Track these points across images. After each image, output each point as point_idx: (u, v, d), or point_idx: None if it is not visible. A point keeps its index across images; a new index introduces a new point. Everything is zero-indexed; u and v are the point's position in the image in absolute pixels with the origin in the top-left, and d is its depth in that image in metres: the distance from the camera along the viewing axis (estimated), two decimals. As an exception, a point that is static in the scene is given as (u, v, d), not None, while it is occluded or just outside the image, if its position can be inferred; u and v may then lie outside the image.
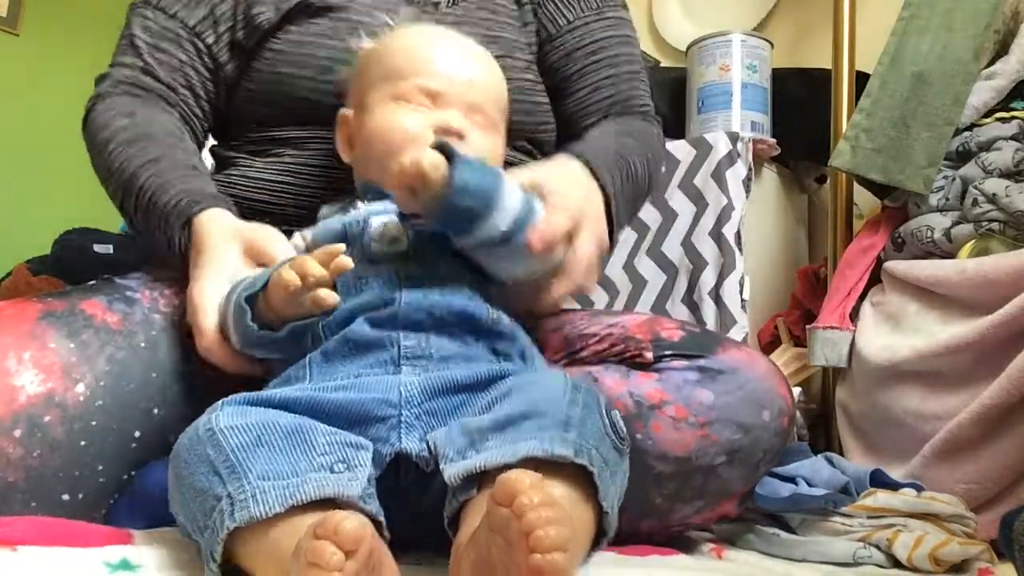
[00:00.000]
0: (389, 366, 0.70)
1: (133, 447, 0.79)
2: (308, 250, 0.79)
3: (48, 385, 0.76)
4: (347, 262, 0.70)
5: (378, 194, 0.82)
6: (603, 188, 0.90)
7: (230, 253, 0.80)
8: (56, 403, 0.75)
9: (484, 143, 0.85)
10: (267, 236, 0.82)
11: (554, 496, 0.51)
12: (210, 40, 0.98)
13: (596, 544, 0.62)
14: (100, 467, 0.77)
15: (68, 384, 0.77)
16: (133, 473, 0.79)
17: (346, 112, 0.90)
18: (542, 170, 0.85)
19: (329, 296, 0.71)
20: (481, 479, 0.54)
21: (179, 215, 0.84)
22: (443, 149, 0.73)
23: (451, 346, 0.72)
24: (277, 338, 0.72)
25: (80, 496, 0.76)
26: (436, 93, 0.84)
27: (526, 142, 1.03)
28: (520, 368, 0.70)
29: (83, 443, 0.76)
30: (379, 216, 0.78)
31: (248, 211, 0.97)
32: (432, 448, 0.63)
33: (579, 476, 0.59)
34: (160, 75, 0.97)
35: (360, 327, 0.72)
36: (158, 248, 0.88)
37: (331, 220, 0.81)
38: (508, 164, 0.99)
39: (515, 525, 0.49)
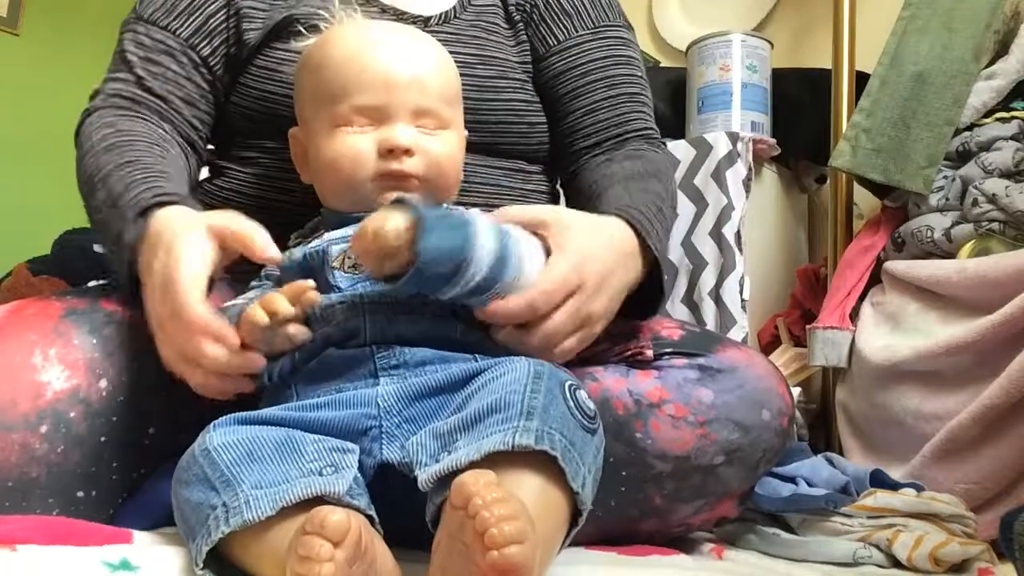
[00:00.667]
0: (368, 378, 0.71)
1: (146, 444, 0.79)
2: (279, 283, 0.78)
3: (73, 381, 0.76)
4: (316, 297, 0.70)
5: (339, 222, 0.81)
6: (649, 254, 0.83)
7: (205, 244, 0.73)
8: (81, 399, 0.76)
9: (439, 148, 0.81)
10: (242, 225, 0.75)
11: (508, 492, 0.53)
12: (205, 52, 0.96)
13: (574, 524, 0.63)
14: (115, 464, 0.77)
15: (92, 380, 0.77)
16: (143, 471, 0.79)
17: (295, 131, 0.88)
18: (567, 214, 0.80)
19: (300, 332, 0.71)
20: (452, 480, 0.54)
21: (135, 206, 0.78)
22: (405, 204, 0.70)
23: (425, 352, 0.73)
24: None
25: (94, 493, 0.76)
26: (375, 109, 0.79)
27: (522, 161, 1.01)
28: (494, 363, 0.70)
29: (103, 439, 0.76)
30: (339, 244, 0.78)
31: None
32: (409, 455, 0.64)
33: (545, 462, 0.60)
34: (154, 88, 0.94)
35: (333, 351, 0.73)
36: (110, 254, 0.82)
37: (295, 250, 0.80)
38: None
39: (470, 526, 0.51)
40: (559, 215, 0.79)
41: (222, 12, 0.97)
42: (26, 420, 0.74)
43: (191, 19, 0.97)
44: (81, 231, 2.26)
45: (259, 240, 0.74)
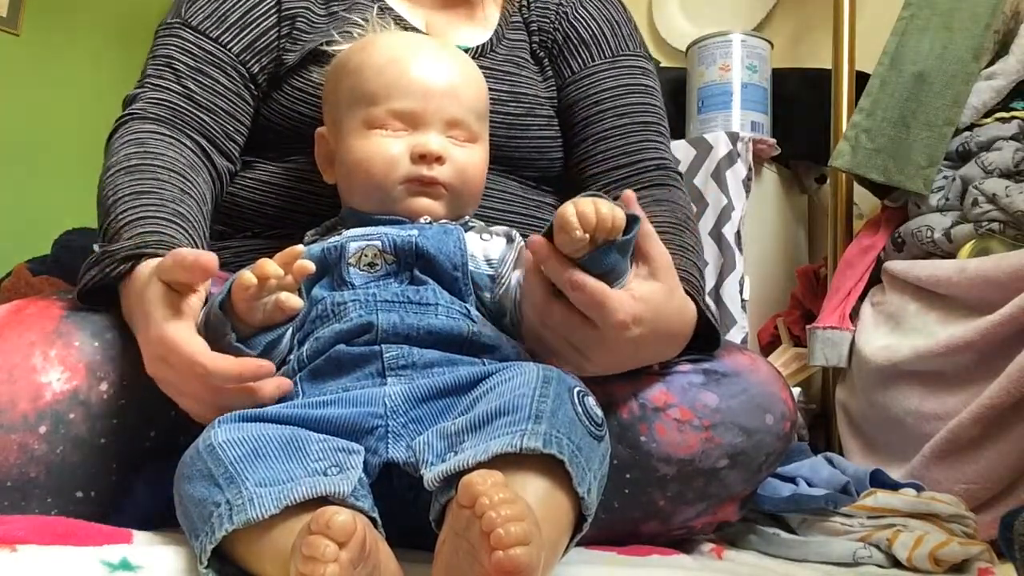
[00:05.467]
0: (376, 377, 0.71)
1: (147, 446, 0.79)
2: None
3: (73, 383, 0.76)
4: (308, 265, 0.70)
5: (359, 222, 0.82)
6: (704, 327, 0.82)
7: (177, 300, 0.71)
8: (81, 401, 0.76)
9: (467, 159, 0.84)
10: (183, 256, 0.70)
11: (515, 493, 0.52)
12: (255, 69, 0.96)
13: (579, 529, 0.63)
14: (114, 465, 0.77)
15: (92, 382, 0.77)
16: (143, 473, 0.79)
17: (322, 131, 0.89)
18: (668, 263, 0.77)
19: (290, 299, 0.70)
20: (458, 480, 0.54)
21: (133, 247, 0.77)
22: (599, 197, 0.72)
23: (434, 354, 0.73)
24: (250, 356, 0.71)
25: (93, 494, 0.76)
26: (410, 115, 0.82)
27: (547, 187, 1.04)
28: (502, 367, 0.70)
29: (103, 441, 0.76)
30: (357, 242, 0.79)
31: (260, 216, 0.97)
32: (415, 454, 0.64)
33: (552, 466, 0.60)
34: (200, 100, 0.94)
35: (343, 348, 0.73)
36: (86, 268, 0.79)
37: (312, 246, 0.81)
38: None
39: (476, 525, 0.51)
40: (665, 260, 0.77)
41: (274, 31, 0.97)
42: (25, 421, 0.73)
43: (243, 34, 0.96)
44: (81, 231, 2.26)
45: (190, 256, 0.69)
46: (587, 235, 0.69)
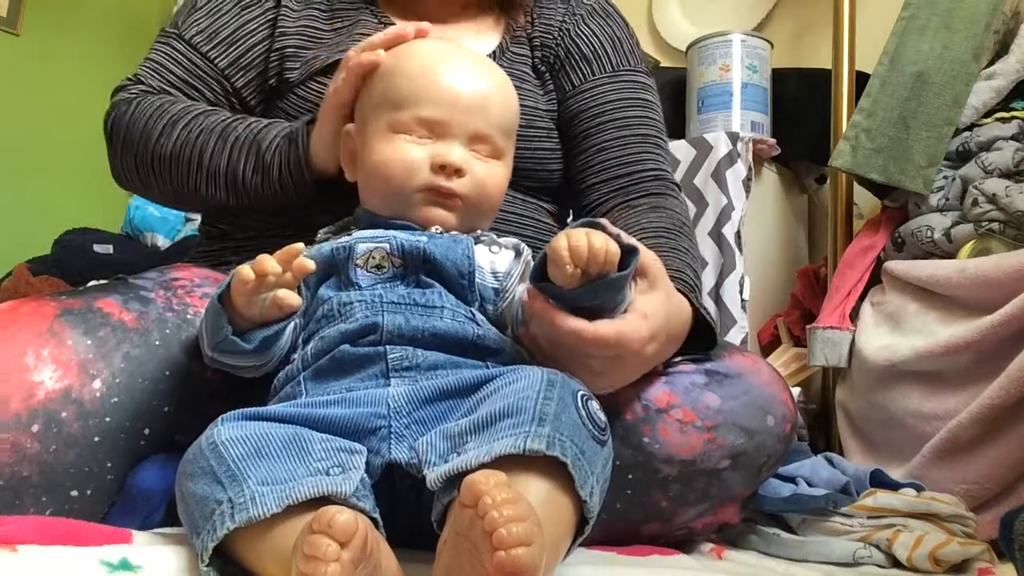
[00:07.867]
0: (379, 378, 0.72)
1: (142, 444, 0.79)
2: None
3: (66, 382, 0.76)
4: (307, 263, 0.70)
5: (371, 223, 0.82)
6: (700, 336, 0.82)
7: None
8: (73, 399, 0.76)
9: (487, 174, 0.83)
10: None
11: (518, 494, 0.52)
12: (239, 83, 0.99)
13: (580, 532, 0.63)
14: (109, 464, 0.77)
15: (85, 380, 0.77)
16: None
17: (349, 128, 0.89)
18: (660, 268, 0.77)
19: (288, 296, 0.70)
20: (461, 480, 0.55)
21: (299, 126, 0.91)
22: (599, 226, 0.71)
23: (438, 355, 0.73)
24: (246, 350, 0.72)
25: (88, 493, 0.76)
26: (436, 123, 0.81)
27: (546, 196, 1.04)
28: (507, 370, 0.70)
29: (97, 439, 0.76)
30: (366, 243, 0.79)
31: (263, 215, 0.97)
32: (418, 455, 0.64)
33: (555, 468, 0.60)
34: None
35: (347, 348, 0.73)
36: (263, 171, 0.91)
37: (323, 245, 0.81)
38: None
39: (479, 525, 0.51)
40: (657, 265, 0.77)
41: (262, 45, 1.00)
42: (18, 420, 0.73)
43: (231, 49, 1.00)
44: (81, 231, 2.27)
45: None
46: (578, 270, 0.68)
